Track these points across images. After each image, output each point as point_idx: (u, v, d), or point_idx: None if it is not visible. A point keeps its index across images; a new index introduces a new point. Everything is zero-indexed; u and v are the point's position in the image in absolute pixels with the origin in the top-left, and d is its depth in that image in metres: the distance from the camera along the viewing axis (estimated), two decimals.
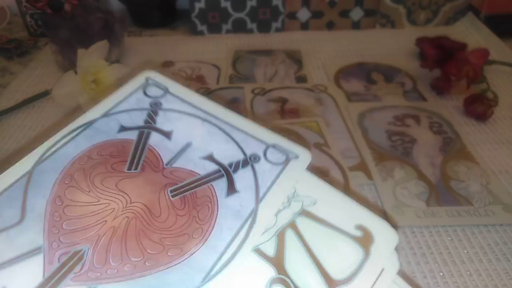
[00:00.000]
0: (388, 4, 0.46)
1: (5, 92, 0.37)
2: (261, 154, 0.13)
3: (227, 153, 0.14)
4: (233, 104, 0.35)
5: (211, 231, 0.12)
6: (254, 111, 0.34)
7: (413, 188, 0.26)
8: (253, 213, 0.12)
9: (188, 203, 0.12)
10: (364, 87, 0.37)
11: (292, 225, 0.12)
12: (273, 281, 0.11)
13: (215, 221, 0.12)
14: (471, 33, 0.46)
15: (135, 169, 0.13)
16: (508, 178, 0.27)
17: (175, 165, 0.13)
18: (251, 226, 0.12)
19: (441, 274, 0.22)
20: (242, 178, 0.13)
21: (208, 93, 0.36)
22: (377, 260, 0.11)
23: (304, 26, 0.47)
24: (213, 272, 0.11)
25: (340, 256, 0.11)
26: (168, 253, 0.11)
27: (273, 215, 0.12)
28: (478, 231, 0.24)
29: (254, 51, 0.43)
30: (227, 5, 0.45)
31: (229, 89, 0.37)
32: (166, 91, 0.15)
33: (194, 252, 0.11)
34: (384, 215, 0.25)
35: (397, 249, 0.12)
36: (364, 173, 0.27)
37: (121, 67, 0.38)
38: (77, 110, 0.34)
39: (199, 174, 0.13)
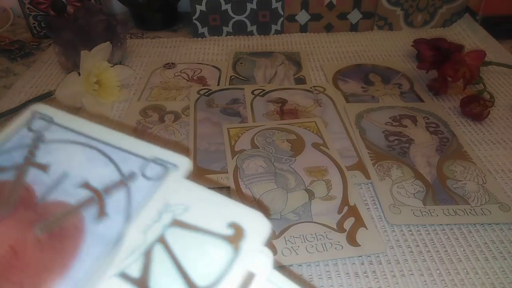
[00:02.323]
0: (385, 7, 0.47)
1: (8, 93, 0.38)
2: (138, 171, 0.13)
3: (105, 177, 0.13)
4: (233, 105, 0.35)
5: (72, 262, 0.11)
6: (254, 112, 0.34)
7: (410, 187, 0.26)
8: (120, 236, 0.11)
9: (55, 237, 0.12)
10: (362, 88, 0.38)
11: (162, 239, 0.11)
12: None
13: (78, 251, 0.12)
14: (467, 35, 0.47)
15: (9, 209, 0.12)
16: (504, 178, 0.28)
17: (49, 198, 0.13)
18: (116, 250, 0.11)
19: (438, 271, 0.22)
20: (116, 200, 0.13)
21: (208, 94, 0.37)
22: (246, 256, 0.11)
23: (303, 29, 0.48)
24: None
25: (209, 261, 0.11)
26: None
27: (139, 235, 0.12)
28: (475, 229, 0.24)
29: (254, 53, 0.44)
30: (228, 7, 0.45)
31: (230, 90, 0.37)
32: (50, 121, 0.14)
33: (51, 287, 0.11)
34: (381, 214, 0.25)
35: (270, 241, 0.11)
36: (362, 172, 0.28)
37: (123, 69, 0.39)
38: (80, 111, 0.34)
39: (71, 205, 0.13)
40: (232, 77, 0.40)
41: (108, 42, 0.35)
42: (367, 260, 0.22)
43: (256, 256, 0.11)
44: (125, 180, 0.13)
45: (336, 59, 0.43)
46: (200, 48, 0.45)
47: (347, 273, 0.22)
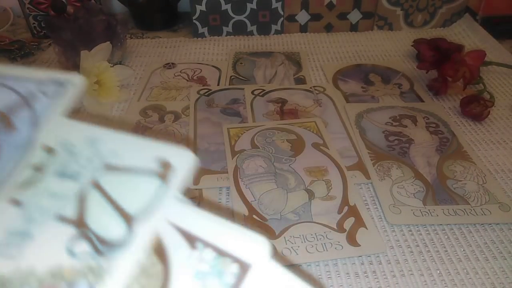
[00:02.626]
0: (385, 7, 0.47)
1: None
2: (36, 91, 0.14)
3: (3, 100, 0.14)
4: (233, 105, 0.35)
5: None
6: (254, 112, 0.34)
7: (410, 187, 0.26)
8: (32, 140, 0.13)
9: None
10: (362, 88, 0.38)
11: (94, 182, 0.13)
12: (73, 237, 0.12)
13: None
14: (468, 35, 0.47)
15: None
16: (504, 178, 0.28)
17: None
18: (30, 151, 0.13)
19: (438, 271, 0.22)
20: (21, 116, 0.14)
21: (208, 94, 0.37)
22: (173, 183, 0.12)
23: (303, 29, 0.48)
24: None
25: (139, 193, 0.12)
26: None
27: (48, 136, 0.13)
28: (475, 229, 0.24)
29: (254, 53, 0.44)
30: (228, 7, 0.45)
31: (230, 90, 0.37)
32: None
33: None
34: (382, 214, 0.25)
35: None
36: (362, 172, 0.28)
37: (123, 69, 0.39)
38: (80, 111, 0.34)
39: None
40: (232, 77, 0.40)
41: (108, 42, 0.35)
42: (367, 260, 0.22)
43: (182, 185, 0.12)
44: (25, 99, 0.14)
45: (336, 59, 0.43)
46: (200, 48, 0.45)
47: (347, 273, 0.22)
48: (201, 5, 0.45)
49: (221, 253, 0.11)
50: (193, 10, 0.45)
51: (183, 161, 0.12)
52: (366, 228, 0.24)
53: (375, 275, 0.22)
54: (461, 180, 0.27)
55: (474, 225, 0.24)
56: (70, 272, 0.11)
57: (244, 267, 0.11)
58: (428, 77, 0.39)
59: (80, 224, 0.12)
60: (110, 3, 0.53)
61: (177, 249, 0.11)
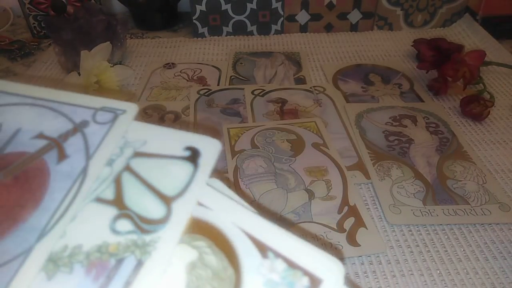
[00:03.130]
0: (385, 7, 0.47)
1: None
2: (90, 119, 0.15)
3: (57, 127, 0.15)
4: (233, 105, 0.35)
5: (43, 196, 0.13)
6: (254, 112, 0.34)
7: (410, 187, 0.26)
8: (84, 170, 0.13)
9: (20, 179, 0.13)
10: (362, 88, 0.38)
11: (127, 167, 0.13)
12: (115, 217, 0.12)
13: (47, 187, 0.13)
14: (467, 35, 0.47)
15: None
16: (504, 178, 0.28)
17: (6, 151, 0.14)
18: (82, 182, 0.13)
19: (438, 271, 0.22)
20: (73, 144, 0.14)
21: (208, 94, 0.37)
22: (204, 168, 0.13)
23: (303, 29, 0.48)
24: (46, 229, 0.12)
25: (173, 177, 0.13)
26: (2, 225, 0.12)
27: (103, 166, 0.13)
28: (475, 229, 0.24)
29: (254, 53, 0.44)
30: (228, 7, 0.45)
31: (230, 90, 0.37)
32: None
33: (27, 219, 0.12)
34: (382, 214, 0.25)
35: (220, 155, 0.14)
36: (362, 172, 0.28)
37: (123, 69, 0.39)
38: None
39: (30, 153, 0.14)
40: (232, 77, 0.40)
41: (108, 42, 0.35)
42: (367, 260, 0.22)
43: (211, 169, 0.13)
44: (78, 127, 0.14)
45: (336, 59, 0.43)
46: (200, 48, 0.45)
47: (347, 273, 0.22)
48: (201, 5, 0.45)
49: (292, 265, 0.11)
50: (193, 10, 0.45)
51: (211, 148, 0.13)
52: (366, 228, 0.24)
53: (375, 275, 0.22)
54: (461, 180, 0.27)
55: (474, 225, 0.24)
56: (116, 248, 0.12)
57: (315, 282, 0.11)
58: (428, 77, 0.39)
59: (119, 205, 0.13)
60: (110, 3, 0.53)
61: (248, 256, 0.11)
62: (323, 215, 0.24)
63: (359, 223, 0.24)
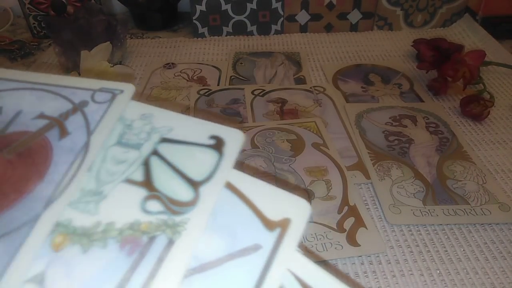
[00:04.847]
0: (385, 7, 0.47)
1: None
2: (89, 99, 0.15)
3: (57, 107, 0.15)
4: (233, 105, 0.35)
5: (47, 169, 0.13)
6: (254, 112, 0.34)
7: (410, 187, 0.26)
8: (86, 145, 0.14)
9: (24, 155, 0.14)
10: (362, 88, 0.38)
11: (155, 152, 0.14)
12: (146, 198, 0.13)
13: (50, 161, 0.14)
14: (467, 35, 0.47)
15: None
16: (504, 178, 0.28)
17: (8, 131, 0.15)
18: (85, 155, 0.14)
19: (438, 271, 0.22)
20: (73, 122, 0.15)
21: (208, 94, 0.37)
22: (229, 156, 0.14)
23: (303, 29, 0.48)
24: (53, 198, 0.13)
25: (199, 163, 0.13)
26: (9, 197, 0.13)
27: (104, 140, 0.14)
28: (475, 229, 0.24)
29: (254, 53, 0.44)
30: (228, 8, 0.45)
31: (230, 90, 0.37)
32: None
33: (33, 190, 0.13)
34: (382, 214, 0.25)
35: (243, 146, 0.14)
36: (362, 172, 0.28)
37: (123, 68, 0.39)
38: None
39: (32, 132, 0.15)
40: (232, 77, 0.40)
41: (108, 42, 0.35)
42: (367, 260, 0.22)
43: (235, 157, 0.14)
44: (78, 107, 0.15)
45: (336, 59, 0.43)
46: (200, 48, 0.45)
47: (347, 273, 0.22)
48: (201, 5, 0.45)
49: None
50: (193, 10, 0.45)
51: (235, 137, 0.14)
52: (366, 228, 0.24)
53: (375, 275, 0.22)
54: (461, 180, 0.27)
55: (474, 225, 0.24)
56: (148, 226, 0.12)
57: None
58: (428, 77, 0.39)
59: (149, 187, 0.13)
60: (110, 3, 0.53)
61: None
62: (323, 215, 0.24)
63: (359, 223, 0.24)
